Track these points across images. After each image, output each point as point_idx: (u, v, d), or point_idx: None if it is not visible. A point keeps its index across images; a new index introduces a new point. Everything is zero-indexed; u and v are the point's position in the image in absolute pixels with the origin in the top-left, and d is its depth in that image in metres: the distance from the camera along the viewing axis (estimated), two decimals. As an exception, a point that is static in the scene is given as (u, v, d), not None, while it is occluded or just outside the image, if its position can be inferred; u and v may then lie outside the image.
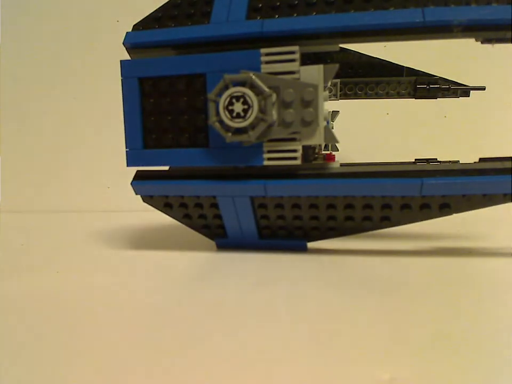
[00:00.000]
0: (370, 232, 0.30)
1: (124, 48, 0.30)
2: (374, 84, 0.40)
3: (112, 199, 0.58)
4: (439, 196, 0.26)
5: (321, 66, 0.26)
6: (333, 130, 0.39)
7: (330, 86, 0.39)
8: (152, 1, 0.31)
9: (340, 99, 0.40)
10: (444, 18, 0.24)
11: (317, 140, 0.26)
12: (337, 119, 0.42)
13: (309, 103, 0.26)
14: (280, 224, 0.31)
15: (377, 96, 0.40)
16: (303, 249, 0.32)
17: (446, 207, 0.27)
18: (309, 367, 0.16)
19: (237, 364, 0.16)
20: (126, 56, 0.30)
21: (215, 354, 0.17)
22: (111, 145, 0.56)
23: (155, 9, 0.30)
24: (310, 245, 0.32)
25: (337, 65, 0.26)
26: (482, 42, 0.26)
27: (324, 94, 0.26)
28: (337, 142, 0.26)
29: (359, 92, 0.40)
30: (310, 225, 0.30)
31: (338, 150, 0.40)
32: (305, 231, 0.31)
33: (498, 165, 0.26)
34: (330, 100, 0.39)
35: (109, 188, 0.60)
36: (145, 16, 0.30)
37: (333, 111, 0.41)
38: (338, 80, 0.39)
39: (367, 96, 0.41)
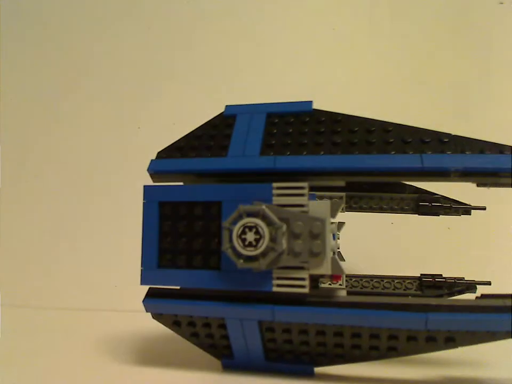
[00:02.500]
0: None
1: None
2: (378, 199, 0.42)
3: (119, 297, 0.57)
4: (444, 330, 0.27)
5: (328, 202, 0.28)
6: (339, 241, 0.40)
7: (336, 199, 0.41)
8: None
9: (346, 211, 0.42)
10: (441, 165, 0.27)
11: (324, 270, 0.27)
12: (343, 229, 0.44)
13: (317, 235, 0.27)
14: (287, 348, 0.31)
15: (382, 210, 0.42)
16: (310, 374, 0.31)
17: (451, 341, 0.27)
18: None
19: None
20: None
21: None
22: (117, 242, 0.58)
23: (178, 138, 0.33)
24: (317, 369, 0.32)
25: (343, 200, 0.28)
26: (477, 185, 0.28)
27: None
28: (344, 273, 0.27)
29: (364, 206, 0.42)
30: (317, 351, 0.30)
31: (344, 260, 0.41)
32: (312, 356, 0.31)
33: (499, 302, 0.27)
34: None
35: (116, 286, 0.60)
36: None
37: (339, 222, 0.43)
38: (343, 194, 0.41)
39: (371, 210, 0.42)
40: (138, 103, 0.64)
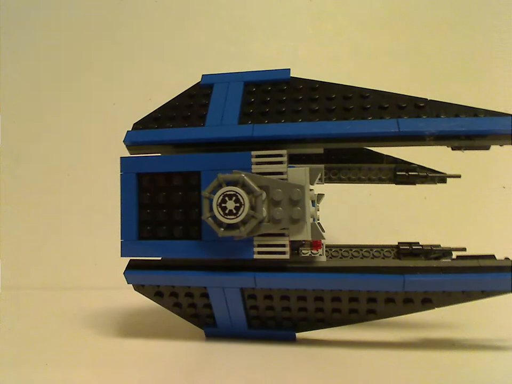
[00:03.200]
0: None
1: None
2: (356, 170, 0.42)
3: (100, 275, 0.57)
4: (421, 291, 0.28)
5: (307, 168, 0.28)
6: (318, 212, 0.41)
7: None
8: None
9: (325, 183, 0.42)
10: (417, 129, 0.27)
11: (304, 236, 0.28)
12: (323, 201, 0.44)
13: (296, 202, 0.27)
14: (269, 315, 0.31)
15: (360, 181, 0.43)
16: (291, 340, 0.32)
17: (427, 302, 0.28)
18: None
19: None
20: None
21: None
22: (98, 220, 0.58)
23: (154, 109, 0.33)
24: (299, 335, 0.32)
25: (322, 167, 0.29)
26: (452, 149, 0.29)
27: (310, 193, 0.28)
28: (323, 238, 0.28)
29: (343, 177, 0.42)
30: (298, 316, 0.31)
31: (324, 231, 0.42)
32: (293, 321, 0.31)
33: (474, 263, 0.27)
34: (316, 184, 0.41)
35: (96, 265, 0.60)
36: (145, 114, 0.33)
37: (318, 194, 0.43)
38: (322, 166, 0.41)
39: (350, 180, 0.43)
40: (112, 79, 0.62)
